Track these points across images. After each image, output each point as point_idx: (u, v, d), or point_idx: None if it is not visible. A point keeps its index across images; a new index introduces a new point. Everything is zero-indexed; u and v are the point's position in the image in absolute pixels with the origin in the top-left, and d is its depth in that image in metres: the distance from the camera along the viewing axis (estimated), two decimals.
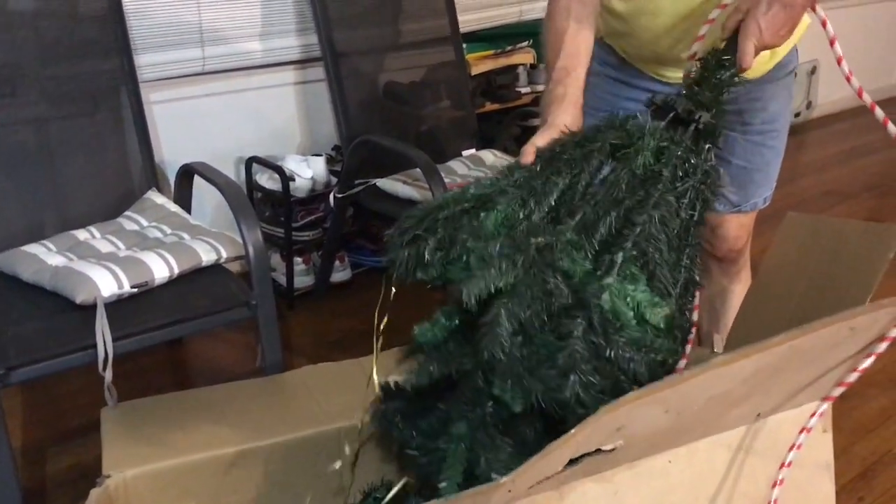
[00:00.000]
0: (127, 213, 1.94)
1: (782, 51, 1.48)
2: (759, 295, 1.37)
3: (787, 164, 1.67)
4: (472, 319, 1.03)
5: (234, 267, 1.84)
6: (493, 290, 1.00)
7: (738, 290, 1.69)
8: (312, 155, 2.52)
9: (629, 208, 1.08)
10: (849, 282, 1.20)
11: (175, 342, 2.26)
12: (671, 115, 1.16)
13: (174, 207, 1.96)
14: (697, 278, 1.14)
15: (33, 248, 1.75)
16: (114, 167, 2.00)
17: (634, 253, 1.04)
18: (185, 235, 1.81)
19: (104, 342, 1.46)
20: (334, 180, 2.48)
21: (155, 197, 1.99)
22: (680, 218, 1.09)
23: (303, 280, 2.54)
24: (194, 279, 1.72)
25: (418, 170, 2.15)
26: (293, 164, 2.42)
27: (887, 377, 2.16)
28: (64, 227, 1.87)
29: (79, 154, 1.94)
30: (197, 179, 2.00)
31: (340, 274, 2.60)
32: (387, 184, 2.31)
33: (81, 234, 1.83)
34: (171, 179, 2.13)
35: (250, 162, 2.48)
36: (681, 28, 1.38)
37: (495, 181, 1.11)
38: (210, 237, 1.79)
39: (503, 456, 1.00)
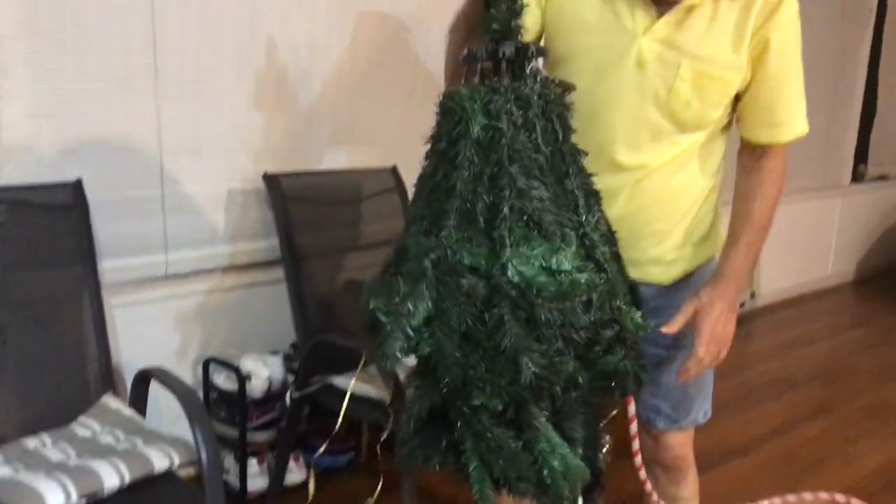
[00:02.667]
0: (81, 418, 1.93)
1: (697, 260, 1.55)
2: None
3: (736, 353, 1.66)
4: None
5: (188, 469, 1.81)
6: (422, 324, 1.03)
7: (688, 494, 1.68)
8: (270, 353, 2.54)
9: (491, 177, 1.05)
10: None
11: None
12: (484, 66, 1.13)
13: (129, 412, 1.95)
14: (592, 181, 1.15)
15: None
16: (70, 372, 2.00)
17: (515, 216, 1.03)
18: (139, 441, 1.80)
19: None
20: (291, 378, 2.49)
21: (110, 402, 1.98)
22: (543, 151, 1.07)
23: (256, 483, 2.49)
24: (145, 488, 1.69)
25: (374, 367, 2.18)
26: (250, 363, 2.45)
27: None
28: (17, 432, 1.84)
29: (36, 359, 1.95)
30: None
31: (295, 475, 2.55)
32: (343, 382, 2.33)
33: (31, 443, 1.81)
34: (129, 381, 2.13)
35: (208, 363, 2.49)
36: (644, 130, 1.39)
37: None
38: (164, 442, 1.78)
39: (508, 452, 1.05)
